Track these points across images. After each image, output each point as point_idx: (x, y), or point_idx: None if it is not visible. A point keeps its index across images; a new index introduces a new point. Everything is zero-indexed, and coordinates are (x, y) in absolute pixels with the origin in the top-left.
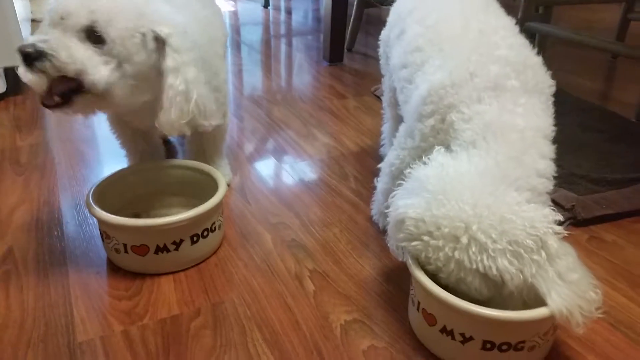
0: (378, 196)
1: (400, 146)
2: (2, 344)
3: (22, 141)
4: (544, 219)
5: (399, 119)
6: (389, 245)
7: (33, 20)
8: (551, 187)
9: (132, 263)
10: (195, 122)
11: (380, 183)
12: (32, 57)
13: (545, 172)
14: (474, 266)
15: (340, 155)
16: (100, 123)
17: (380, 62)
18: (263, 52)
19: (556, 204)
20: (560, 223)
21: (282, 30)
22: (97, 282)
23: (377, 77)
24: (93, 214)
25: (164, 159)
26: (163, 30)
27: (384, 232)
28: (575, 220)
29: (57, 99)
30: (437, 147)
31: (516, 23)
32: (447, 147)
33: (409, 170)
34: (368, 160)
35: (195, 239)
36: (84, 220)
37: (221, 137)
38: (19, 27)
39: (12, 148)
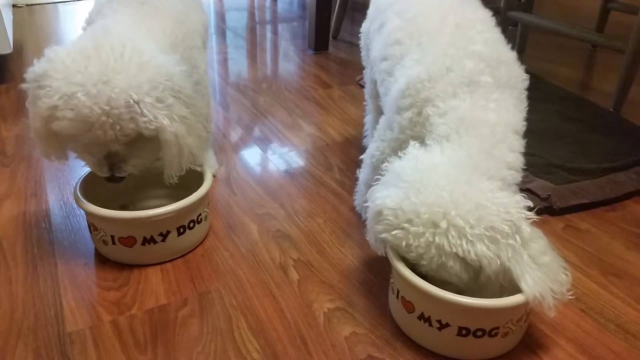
0: (360, 187)
1: (380, 138)
2: None
3: (8, 132)
4: (516, 204)
5: (380, 111)
6: (368, 239)
7: (14, 6)
8: (519, 179)
9: (119, 254)
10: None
11: (362, 174)
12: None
13: (514, 165)
14: (454, 250)
15: (325, 145)
16: None
17: (362, 54)
18: (248, 39)
19: (533, 193)
20: (530, 209)
21: (268, 16)
22: (85, 273)
23: (362, 66)
24: (80, 207)
25: None
26: (132, 96)
27: (366, 222)
28: (552, 210)
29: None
30: (412, 142)
31: (498, 12)
32: (423, 141)
33: (385, 164)
34: (352, 150)
35: (181, 230)
36: (72, 211)
37: None
38: (1, 14)
39: None
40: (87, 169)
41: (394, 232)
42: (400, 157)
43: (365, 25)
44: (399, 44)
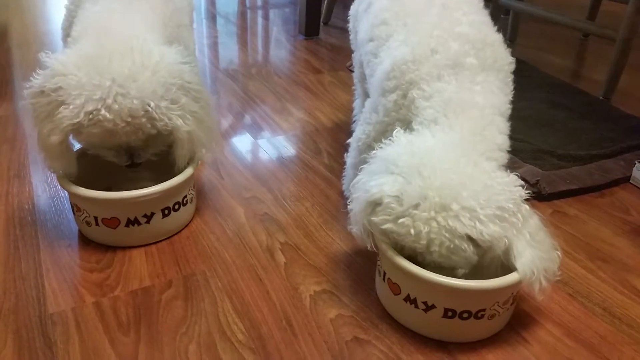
0: (348, 171)
1: (366, 121)
2: None
3: None
4: (516, 183)
5: (367, 94)
6: (353, 231)
7: None
8: (506, 160)
9: (103, 236)
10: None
11: (349, 158)
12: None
13: (503, 147)
14: (467, 232)
15: (314, 130)
16: None
17: (350, 37)
18: (239, 24)
19: (522, 179)
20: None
21: (259, 1)
22: (68, 255)
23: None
24: (63, 187)
25: None
26: (150, 104)
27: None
28: (540, 195)
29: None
30: (397, 128)
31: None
32: (408, 124)
33: (373, 151)
34: (341, 135)
35: (166, 212)
36: (56, 193)
37: None
38: None
39: None
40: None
41: (400, 221)
42: (386, 144)
43: (353, 7)
44: (385, 25)
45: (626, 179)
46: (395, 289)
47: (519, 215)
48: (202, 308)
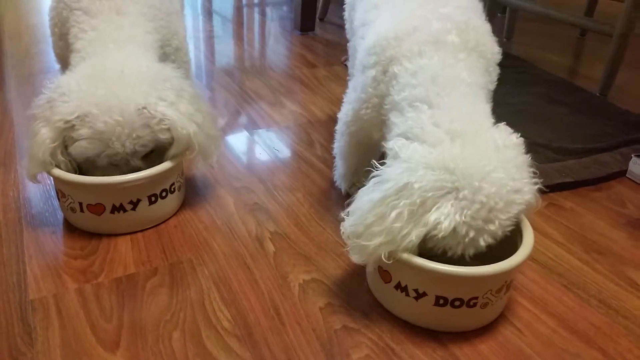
0: (337, 161)
1: (346, 100)
2: None
3: None
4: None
5: None
6: (362, 261)
7: None
8: None
9: (88, 222)
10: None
11: (336, 145)
12: None
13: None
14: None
15: (307, 122)
16: None
17: (346, 26)
18: (235, 20)
19: None
20: None
21: None
22: (52, 242)
23: (347, 48)
24: (48, 172)
25: None
26: (140, 103)
27: (346, 196)
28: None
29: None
30: (395, 139)
31: None
32: (387, 97)
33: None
34: (334, 128)
35: (153, 199)
36: (42, 181)
37: None
38: None
39: None
40: None
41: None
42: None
43: None
44: (376, 8)
45: (622, 173)
46: (385, 276)
47: None
48: (188, 296)
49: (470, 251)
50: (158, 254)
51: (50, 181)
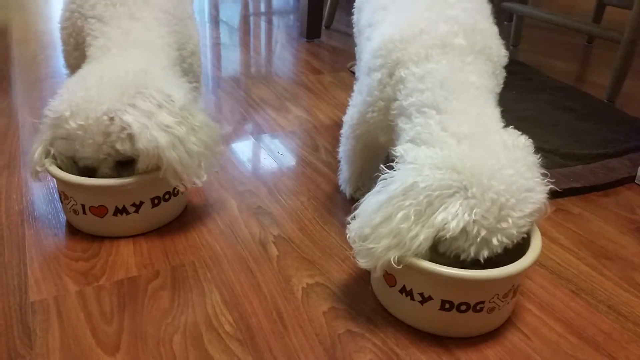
0: (342, 165)
1: (352, 104)
2: None
3: None
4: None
5: None
6: (363, 264)
7: None
8: None
9: (90, 225)
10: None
11: (341, 146)
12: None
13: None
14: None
15: (312, 127)
16: None
17: (354, 30)
18: (241, 27)
19: None
20: None
21: (262, 7)
22: (54, 244)
23: (353, 54)
24: (50, 173)
25: None
26: (105, 109)
27: (351, 200)
28: None
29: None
30: (403, 144)
31: (492, 3)
32: (394, 101)
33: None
34: (340, 133)
35: (156, 201)
36: (45, 184)
37: None
38: None
39: None
40: None
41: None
42: (398, 171)
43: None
44: (383, 10)
45: (631, 179)
46: (390, 280)
47: None
48: (190, 299)
49: (485, 253)
50: (160, 257)
51: (53, 184)
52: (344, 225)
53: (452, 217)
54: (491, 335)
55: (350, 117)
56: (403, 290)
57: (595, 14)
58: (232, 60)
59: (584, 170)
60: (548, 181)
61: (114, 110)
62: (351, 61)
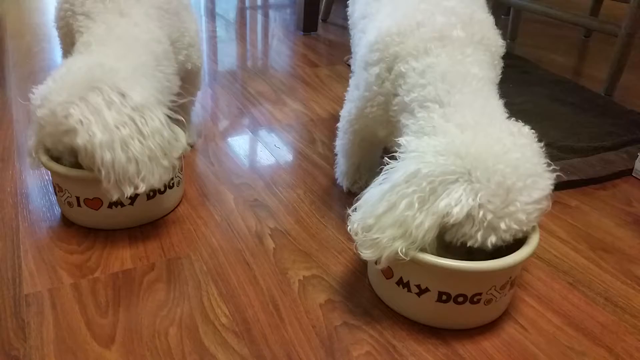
0: (339, 158)
1: (349, 98)
2: None
3: None
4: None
5: None
6: (367, 256)
7: None
8: None
9: (85, 217)
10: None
11: (337, 140)
12: None
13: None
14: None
15: (309, 120)
16: None
17: (349, 22)
18: (238, 21)
19: None
20: None
21: (259, 1)
22: (48, 237)
23: (350, 47)
24: (45, 165)
25: None
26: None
27: (348, 193)
28: None
29: None
30: (407, 138)
31: None
32: (394, 96)
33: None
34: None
35: (151, 194)
36: (40, 177)
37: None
38: None
39: None
40: None
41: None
42: (403, 159)
43: None
44: (377, 1)
45: (628, 172)
46: (387, 272)
47: None
48: (185, 291)
49: (492, 239)
50: (156, 249)
51: (48, 176)
52: (340, 217)
53: (455, 202)
54: (488, 327)
55: (347, 111)
56: (400, 282)
57: (593, 7)
58: (228, 54)
59: (582, 163)
60: (554, 168)
61: (67, 102)
62: (348, 54)
